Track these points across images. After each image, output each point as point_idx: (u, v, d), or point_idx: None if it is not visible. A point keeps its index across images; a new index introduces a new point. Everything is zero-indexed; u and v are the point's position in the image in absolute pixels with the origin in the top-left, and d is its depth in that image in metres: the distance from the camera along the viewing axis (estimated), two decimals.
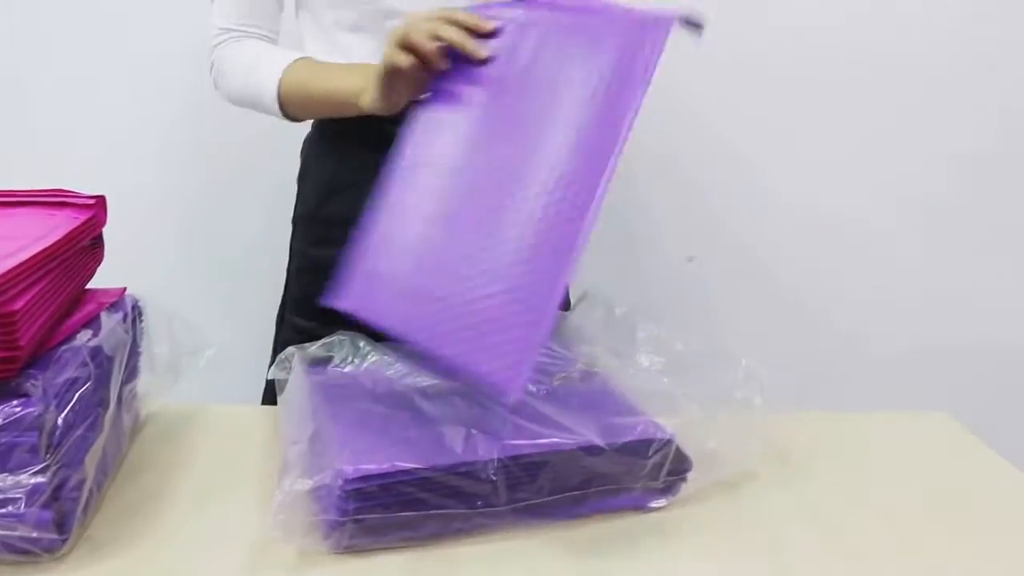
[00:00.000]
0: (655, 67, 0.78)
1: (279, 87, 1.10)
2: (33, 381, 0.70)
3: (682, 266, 1.86)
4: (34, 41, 1.65)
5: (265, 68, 1.11)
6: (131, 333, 0.91)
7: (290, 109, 1.12)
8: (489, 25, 0.89)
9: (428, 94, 0.92)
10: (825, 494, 0.90)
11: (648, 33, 0.79)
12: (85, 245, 0.88)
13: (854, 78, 1.76)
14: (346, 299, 0.88)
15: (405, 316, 0.83)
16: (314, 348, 0.96)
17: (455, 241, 0.82)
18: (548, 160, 0.79)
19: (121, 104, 1.69)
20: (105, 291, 0.92)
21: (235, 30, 1.15)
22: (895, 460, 0.99)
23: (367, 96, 0.98)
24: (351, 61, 1.11)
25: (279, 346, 1.28)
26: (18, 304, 0.68)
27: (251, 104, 1.15)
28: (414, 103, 0.94)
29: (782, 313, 1.90)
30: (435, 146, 0.89)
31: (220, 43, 1.15)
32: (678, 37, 0.78)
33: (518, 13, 0.88)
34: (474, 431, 0.78)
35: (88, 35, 1.65)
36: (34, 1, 1.63)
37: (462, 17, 0.89)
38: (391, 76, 0.93)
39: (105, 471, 0.83)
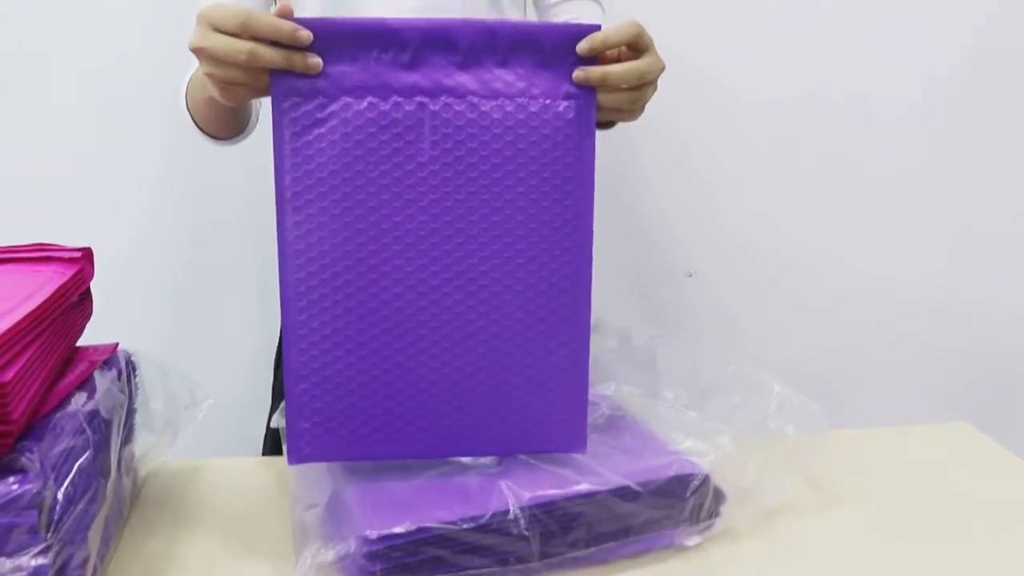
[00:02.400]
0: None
1: (186, 96, 1.04)
2: (29, 455, 0.65)
3: (683, 281, 1.82)
4: (13, 87, 1.59)
5: (183, 84, 1.05)
6: (127, 391, 0.86)
7: (199, 120, 1.05)
8: (303, 35, 0.70)
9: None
10: (859, 517, 0.87)
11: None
12: (73, 301, 0.82)
13: (856, 92, 1.75)
14: (316, 450, 0.77)
15: (405, 440, 0.77)
16: None
17: (429, 347, 0.76)
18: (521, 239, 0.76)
19: (104, 150, 1.62)
20: (96, 348, 0.86)
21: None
22: (923, 475, 0.96)
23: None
24: None
25: (277, 391, 1.23)
26: (8, 375, 0.63)
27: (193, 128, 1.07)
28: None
29: (788, 325, 1.87)
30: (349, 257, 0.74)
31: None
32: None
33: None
34: (500, 480, 0.74)
35: (71, 81, 1.59)
36: (15, 45, 1.57)
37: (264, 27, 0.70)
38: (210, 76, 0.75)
39: (107, 542, 0.78)
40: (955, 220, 1.86)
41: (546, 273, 0.76)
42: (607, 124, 1.08)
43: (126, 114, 1.61)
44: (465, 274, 0.75)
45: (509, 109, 0.74)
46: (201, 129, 1.06)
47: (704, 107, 1.71)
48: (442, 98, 0.73)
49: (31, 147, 1.61)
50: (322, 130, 0.72)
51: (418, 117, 0.73)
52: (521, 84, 0.74)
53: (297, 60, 0.71)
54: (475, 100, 0.74)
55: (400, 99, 0.73)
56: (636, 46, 0.77)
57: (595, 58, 0.75)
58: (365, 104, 0.72)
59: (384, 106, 0.72)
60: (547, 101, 0.74)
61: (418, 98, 0.73)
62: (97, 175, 1.63)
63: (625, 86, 0.77)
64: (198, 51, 0.73)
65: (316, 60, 0.71)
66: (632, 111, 0.81)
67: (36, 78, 1.58)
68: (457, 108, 0.73)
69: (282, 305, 0.75)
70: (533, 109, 0.74)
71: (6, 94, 1.58)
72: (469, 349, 0.76)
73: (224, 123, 1.06)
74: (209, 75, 0.74)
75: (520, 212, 0.75)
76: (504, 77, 0.74)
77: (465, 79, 0.74)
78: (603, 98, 0.76)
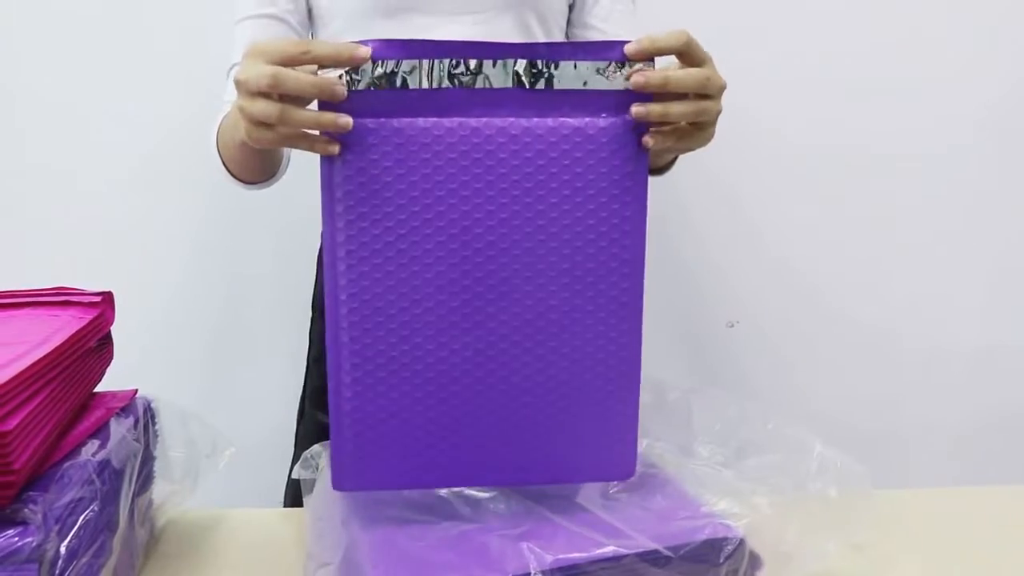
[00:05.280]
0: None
1: (217, 139, 1.02)
2: (32, 506, 0.63)
3: (726, 332, 1.78)
4: (29, 128, 1.61)
5: (214, 127, 1.04)
6: (143, 440, 0.84)
7: (229, 163, 1.04)
8: (361, 52, 0.68)
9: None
10: None
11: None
12: (92, 346, 0.81)
13: (908, 136, 1.71)
14: (361, 478, 0.76)
15: (452, 468, 0.76)
16: None
17: (482, 378, 0.75)
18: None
19: (125, 192, 1.63)
20: (114, 394, 0.85)
21: None
22: (975, 541, 0.91)
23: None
24: None
25: (300, 441, 1.21)
26: (11, 423, 0.61)
27: (222, 171, 1.06)
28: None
29: (838, 378, 1.82)
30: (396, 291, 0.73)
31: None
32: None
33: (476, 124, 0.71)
34: (522, 541, 0.70)
35: (82, 121, 1.60)
36: (64, 93, 1.59)
37: (320, 50, 0.68)
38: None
39: None
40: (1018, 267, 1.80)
41: (601, 300, 0.75)
42: (665, 167, 1.05)
43: (148, 148, 1.62)
44: (520, 311, 0.74)
45: (565, 132, 0.72)
46: (230, 172, 1.05)
47: (749, 151, 1.68)
48: (506, 118, 0.71)
49: (74, 193, 1.62)
50: (386, 147, 0.70)
51: (482, 136, 0.71)
52: (580, 100, 0.72)
53: (326, 120, 0.68)
54: (537, 119, 0.72)
55: (463, 119, 0.71)
56: (689, 57, 0.72)
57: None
58: (429, 123, 0.71)
59: (448, 124, 0.71)
60: (604, 115, 0.72)
61: (481, 118, 0.71)
62: (138, 224, 1.64)
63: (690, 92, 0.72)
64: (241, 84, 0.70)
65: (346, 120, 0.68)
66: (703, 129, 0.76)
67: (82, 125, 1.60)
68: (524, 124, 0.72)
69: (329, 336, 0.74)
70: (592, 131, 0.72)
71: (50, 139, 1.60)
72: (521, 380, 0.75)
73: (254, 167, 1.05)
74: (242, 109, 0.71)
75: (579, 238, 0.73)
76: (564, 96, 0.72)
77: (526, 97, 0.72)
78: (671, 108, 0.72)
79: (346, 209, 0.71)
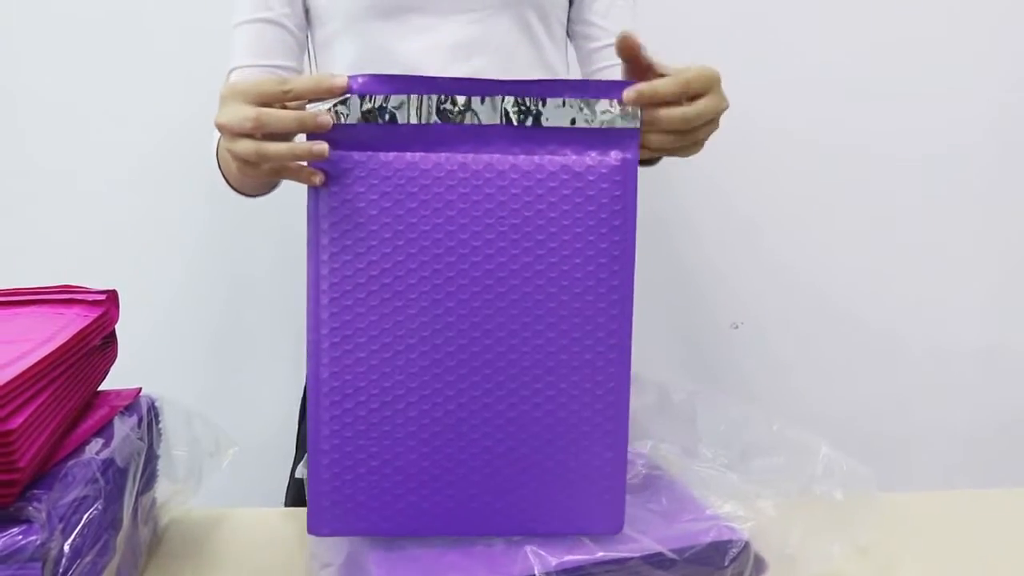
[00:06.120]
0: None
1: (217, 153, 1.02)
2: (36, 504, 0.63)
3: (729, 333, 1.78)
4: (29, 128, 1.61)
5: (214, 142, 1.03)
6: (147, 438, 0.83)
7: (229, 178, 1.03)
8: (338, 81, 0.69)
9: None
10: None
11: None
12: (96, 345, 0.81)
13: (910, 135, 1.72)
14: (339, 525, 0.73)
15: (433, 515, 0.73)
16: None
17: (464, 426, 0.73)
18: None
19: (125, 192, 1.63)
20: (118, 393, 0.85)
21: (248, 67, 1.07)
22: (981, 543, 0.91)
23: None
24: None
25: (303, 440, 1.21)
26: (16, 422, 0.61)
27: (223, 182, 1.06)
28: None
29: (841, 379, 1.82)
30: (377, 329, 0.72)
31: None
32: None
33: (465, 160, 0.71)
34: (526, 545, 0.70)
35: (82, 121, 1.60)
36: (38, 80, 1.59)
37: (299, 86, 0.69)
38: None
39: None
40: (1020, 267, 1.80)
41: (588, 341, 0.73)
42: (651, 161, 1.05)
43: (153, 146, 1.62)
44: (505, 351, 0.72)
45: (552, 169, 0.71)
46: (230, 185, 1.05)
47: (749, 152, 1.68)
48: (493, 154, 0.71)
49: (74, 193, 1.62)
50: (373, 180, 0.70)
51: (470, 171, 0.71)
52: (568, 137, 0.72)
53: (300, 150, 0.68)
54: (524, 156, 0.71)
55: (451, 153, 0.71)
56: (690, 94, 0.73)
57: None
58: (417, 157, 0.70)
59: (436, 158, 0.70)
60: (592, 153, 0.72)
61: (469, 154, 0.71)
62: (139, 224, 1.64)
63: (671, 128, 0.73)
64: (223, 127, 0.70)
65: (321, 147, 0.67)
66: (683, 149, 0.77)
67: (82, 125, 1.60)
68: (512, 161, 0.71)
69: (309, 372, 0.73)
70: (579, 168, 0.71)
71: (51, 139, 1.60)
72: (506, 423, 0.73)
73: (254, 183, 1.05)
74: (228, 150, 0.72)
75: (565, 276, 0.72)
76: (552, 133, 0.72)
77: (514, 134, 0.71)
78: (651, 138, 0.73)
79: (331, 241, 0.71)
